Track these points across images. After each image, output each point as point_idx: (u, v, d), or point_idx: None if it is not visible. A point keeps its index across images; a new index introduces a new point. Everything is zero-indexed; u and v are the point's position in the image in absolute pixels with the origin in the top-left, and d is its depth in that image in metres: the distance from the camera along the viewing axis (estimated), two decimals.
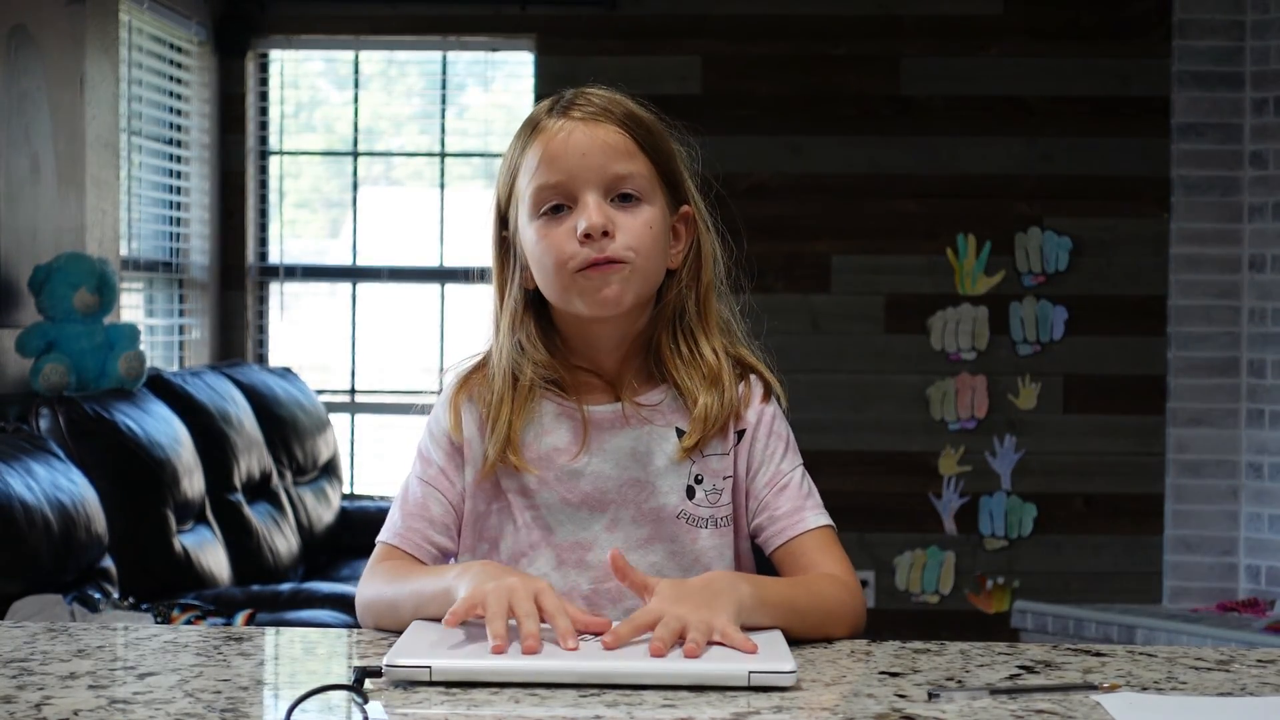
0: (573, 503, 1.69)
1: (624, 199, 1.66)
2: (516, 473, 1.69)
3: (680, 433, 1.70)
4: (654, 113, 1.73)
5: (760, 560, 1.77)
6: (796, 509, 1.71)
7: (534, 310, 1.73)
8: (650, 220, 1.67)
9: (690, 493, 1.70)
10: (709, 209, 1.77)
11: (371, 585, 1.67)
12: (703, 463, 1.70)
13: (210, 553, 4.01)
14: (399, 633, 1.50)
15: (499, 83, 5.64)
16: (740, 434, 1.73)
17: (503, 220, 1.74)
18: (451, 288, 5.57)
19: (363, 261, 5.64)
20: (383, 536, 1.74)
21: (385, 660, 1.33)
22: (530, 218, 1.68)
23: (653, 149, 1.69)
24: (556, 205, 1.66)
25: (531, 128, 1.70)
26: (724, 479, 1.71)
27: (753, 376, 1.76)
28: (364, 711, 1.25)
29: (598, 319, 1.67)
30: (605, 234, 1.64)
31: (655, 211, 1.68)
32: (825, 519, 1.72)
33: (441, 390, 1.78)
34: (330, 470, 5.14)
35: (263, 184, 5.61)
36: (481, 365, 1.76)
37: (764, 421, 1.74)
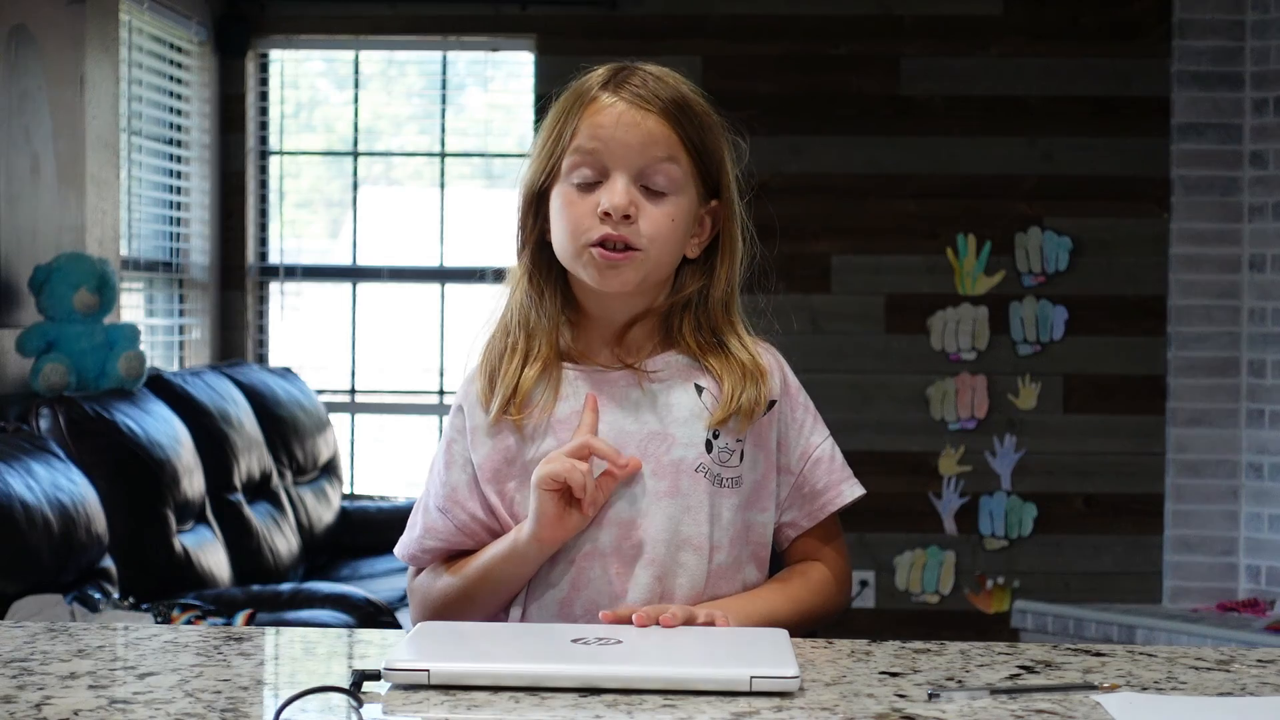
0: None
1: (655, 192, 1.68)
2: (522, 431, 1.69)
3: (700, 388, 1.71)
4: (709, 102, 1.74)
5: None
6: (833, 484, 1.77)
7: (553, 269, 1.74)
8: (674, 213, 1.69)
9: (709, 446, 1.70)
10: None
11: (440, 579, 1.73)
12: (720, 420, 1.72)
13: (210, 553, 4.01)
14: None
15: (499, 82, 5.64)
16: (770, 404, 1.74)
17: (534, 180, 1.73)
18: (451, 288, 5.57)
19: (363, 261, 5.64)
20: (414, 545, 1.77)
21: (384, 663, 1.33)
22: (561, 180, 1.70)
23: (696, 143, 1.70)
24: (588, 178, 1.68)
25: (581, 96, 1.70)
26: (736, 441, 1.71)
27: (764, 347, 1.78)
28: (359, 715, 1.25)
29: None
30: (626, 217, 1.65)
31: (681, 205, 1.69)
32: (858, 489, 1.79)
33: (460, 390, 1.78)
34: (330, 470, 5.14)
35: (263, 184, 5.61)
36: (492, 340, 1.76)
37: (790, 392, 1.78)
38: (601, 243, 1.66)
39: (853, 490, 1.78)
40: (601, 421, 1.70)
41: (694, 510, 1.69)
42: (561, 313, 1.73)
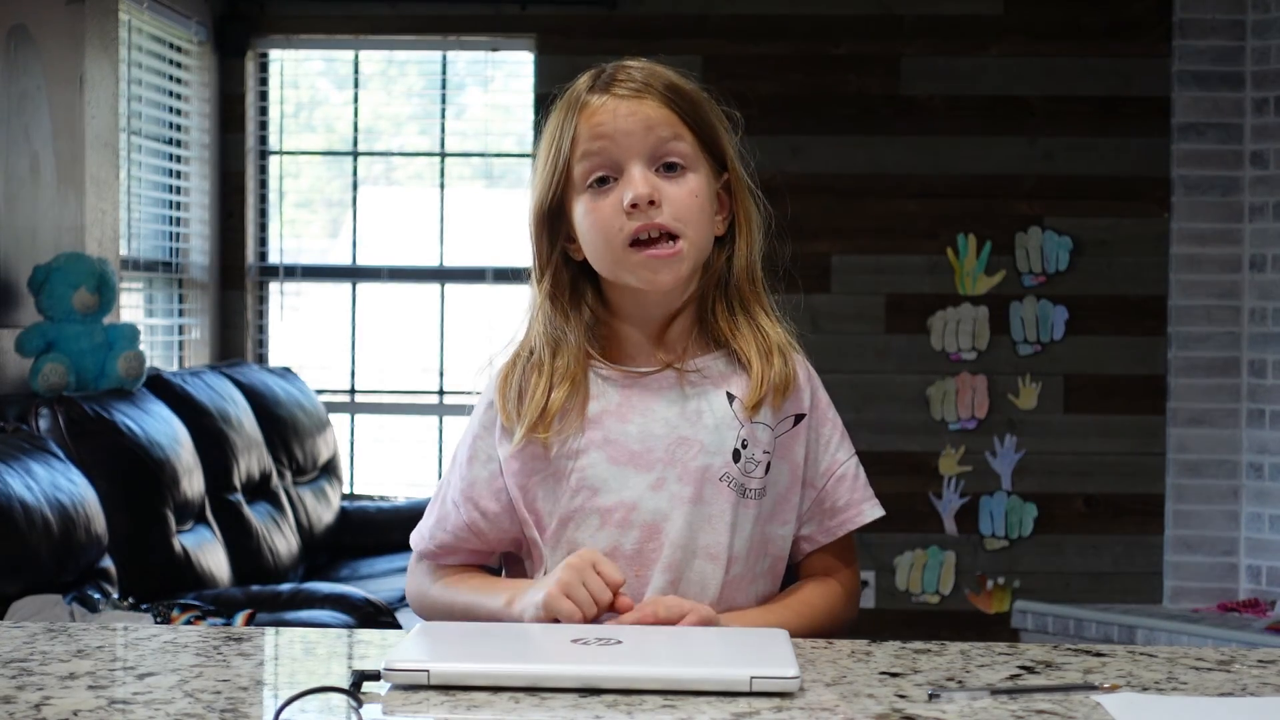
0: (619, 462, 1.68)
1: (669, 169, 1.68)
2: (553, 441, 1.69)
3: (731, 397, 1.71)
4: (696, 84, 1.74)
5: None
6: (854, 503, 1.77)
7: (577, 281, 1.73)
8: (696, 189, 1.69)
9: (736, 456, 1.70)
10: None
11: (433, 587, 1.75)
12: (750, 429, 1.70)
13: (210, 553, 4.01)
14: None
15: (499, 82, 5.63)
16: (799, 418, 1.73)
17: (544, 198, 1.72)
18: (451, 288, 5.57)
19: (363, 261, 5.64)
20: (426, 534, 1.78)
21: (384, 663, 1.32)
22: (577, 191, 1.69)
23: (696, 120, 1.71)
24: (602, 178, 1.68)
25: (571, 105, 1.70)
26: (763, 452, 1.71)
27: (798, 358, 1.78)
28: (359, 715, 1.25)
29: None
30: (652, 203, 1.65)
31: (700, 180, 1.70)
32: (878, 510, 1.78)
33: (487, 384, 1.77)
34: (330, 470, 5.13)
35: (263, 184, 5.61)
36: (520, 352, 1.75)
37: (820, 407, 1.78)
38: (637, 237, 1.66)
39: (873, 511, 1.78)
40: (630, 423, 1.70)
41: (715, 520, 1.68)
42: (593, 318, 1.72)
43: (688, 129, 1.70)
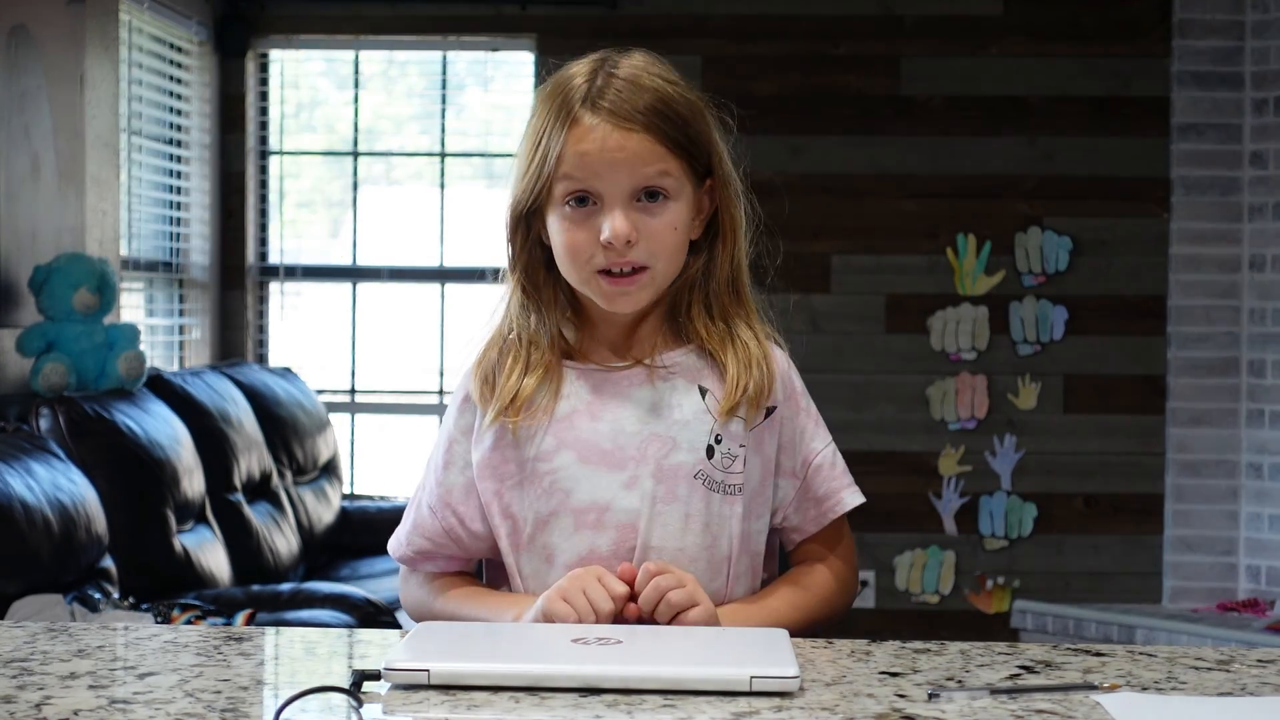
0: (591, 461, 1.67)
1: (651, 196, 1.66)
2: (520, 431, 1.68)
3: (704, 391, 1.70)
4: (687, 86, 1.71)
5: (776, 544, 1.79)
6: (833, 491, 1.77)
7: (549, 279, 1.73)
8: (675, 221, 1.67)
9: (710, 452, 1.68)
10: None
11: (435, 601, 1.74)
12: (723, 425, 1.69)
13: (210, 553, 4.01)
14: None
15: (499, 82, 5.64)
16: (770, 411, 1.72)
17: (522, 200, 1.70)
18: (451, 288, 5.57)
19: (363, 261, 5.64)
20: (404, 541, 1.77)
21: (384, 663, 1.32)
22: (556, 203, 1.67)
23: (683, 141, 1.67)
24: (581, 198, 1.66)
25: (563, 110, 1.66)
26: (739, 446, 1.69)
27: (774, 348, 1.75)
28: (359, 715, 1.25)
29: None
30: (628, 242, 1.64)
31: (681, 208, 1.67)
32: (858, 497, 1.78)
33: (460, 382, 1.77)
34: (330, 470, 5.14)
35: (263, 184, 5.61)
36: (495, 337, 1.75)
37: (794, 397, 1.76)
38: (606, 270, 1.65)
39: (853, 498, 1.77)
40: (602, 421, 1.69)
41: (692, 518, 1.67)
42: (563, 314, 1.72)
43: (674, 156, 1.66)
